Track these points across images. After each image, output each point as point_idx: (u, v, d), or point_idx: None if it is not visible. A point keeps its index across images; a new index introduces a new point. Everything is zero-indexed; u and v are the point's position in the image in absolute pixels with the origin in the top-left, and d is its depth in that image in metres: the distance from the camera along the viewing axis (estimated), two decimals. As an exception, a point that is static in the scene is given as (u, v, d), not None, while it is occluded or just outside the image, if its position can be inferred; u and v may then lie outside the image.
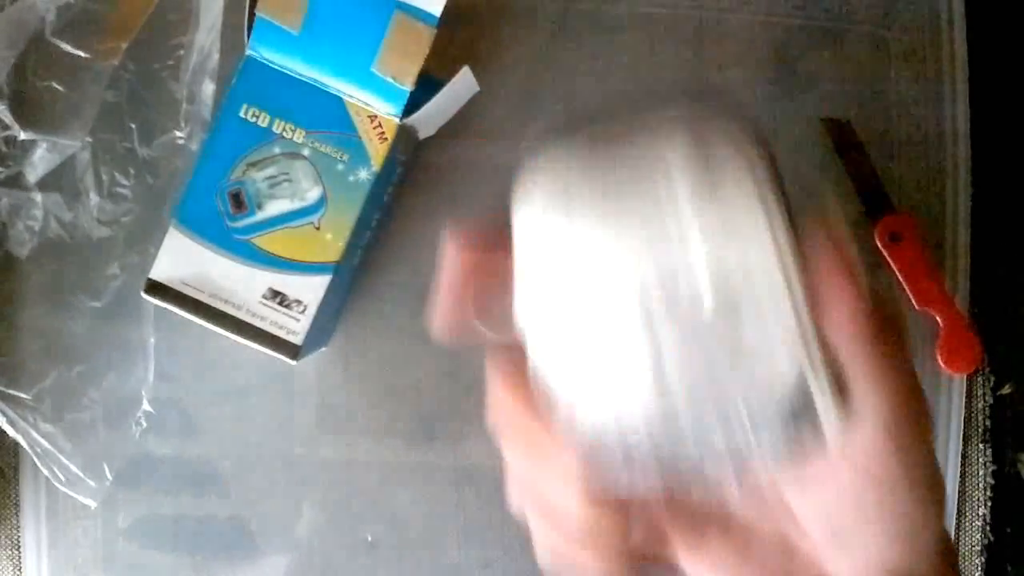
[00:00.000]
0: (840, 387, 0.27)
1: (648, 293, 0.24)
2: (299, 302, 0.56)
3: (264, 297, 0.56)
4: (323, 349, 0.64)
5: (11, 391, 0.62)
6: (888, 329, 0.29)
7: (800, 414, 0.26)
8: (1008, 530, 0.66)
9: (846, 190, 0.65)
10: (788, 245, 0.26)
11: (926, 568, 0.33)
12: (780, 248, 0.25)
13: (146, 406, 0.63)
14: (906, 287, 0.64)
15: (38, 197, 0.61)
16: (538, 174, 0.26)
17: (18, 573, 0.65)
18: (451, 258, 0.31)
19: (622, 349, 0.25)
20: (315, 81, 0.56)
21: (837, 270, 0.27)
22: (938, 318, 0.64)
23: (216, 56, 0.60)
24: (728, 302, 0.25)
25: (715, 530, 0.35)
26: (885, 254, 0.64)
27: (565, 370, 0.26)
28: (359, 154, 0.56)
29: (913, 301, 0.64)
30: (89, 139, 0.61)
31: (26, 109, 0.61)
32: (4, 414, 0.61)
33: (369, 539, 0.65)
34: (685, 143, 0.25)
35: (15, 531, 0.65)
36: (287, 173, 0.56)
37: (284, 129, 0.56)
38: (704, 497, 0.30)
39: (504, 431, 0.33)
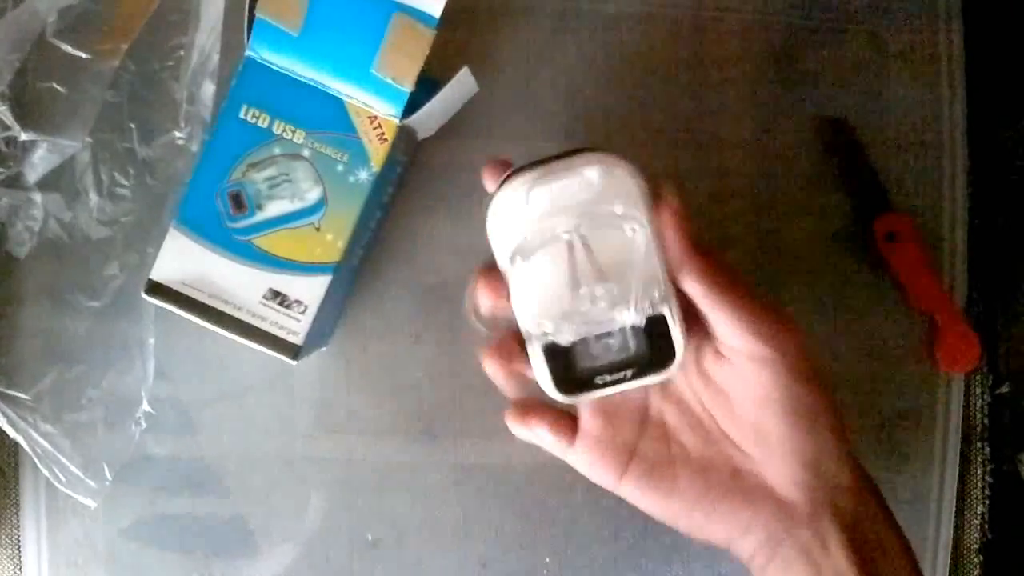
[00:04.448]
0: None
1: (574, 236, 0.46)
2: (299, 302, 0.56)
3: (264, 298, 0.56)
4: (323, 349, 0.64)
5: (11, 391, 0.62)
6: (709, 253, 0.47)
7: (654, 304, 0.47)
8: (1006, 529, 0.66)
9: (844, 189, 0.65)
10: (647, 212, 0.46)
11: (835, 460, 0.49)
12: (646, 212, 0.46)
13: (146, 406, 0.63)
14: (904, 286, 0.65)
15: (38, 197, 0.61)
16: (509, 180, 0.46)
17: (18, 572, 0.65)
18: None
19: (555, 268, 0.46)
20: (315, 82, 0.56)
21: (672, 224, 0.46)
22: (936, 317, 0.65)
23: (216, 57, 0.60)
24: (615, 239, 0.46)
25: (680, 467, 0.51)
26: (883, 253, 0.64)
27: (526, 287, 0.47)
28: (359, 155, 0.56)
29: (911, 300, 0.65)
30: (89, 139, 0.61)
31: (26, 110, 0.60)
32: (4, 414, 0.61)
33: (369, 538, 0.65)
34: (597, 160, 0.45)
35: (15, 530, 0.65)
36: (287, 174, 0.56)
37: (284, 130, 0.56)
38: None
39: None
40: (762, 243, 0.65)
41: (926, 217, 0.66)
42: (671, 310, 0.47)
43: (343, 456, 0.65)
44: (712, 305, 0.46)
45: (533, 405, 0.52)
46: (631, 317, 0.47)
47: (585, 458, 0.52)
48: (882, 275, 0.65)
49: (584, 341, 0.48)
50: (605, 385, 0.48)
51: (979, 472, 0.66)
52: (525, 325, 0.48)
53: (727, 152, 0.66)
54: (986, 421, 0.66)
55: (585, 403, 0.51)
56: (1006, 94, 0.67)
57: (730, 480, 0.50)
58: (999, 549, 0.66)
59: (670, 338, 0.48)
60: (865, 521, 0.49)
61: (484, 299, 0.48)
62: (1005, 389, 0.66)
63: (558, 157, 0.46)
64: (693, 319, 0.49)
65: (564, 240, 0.46)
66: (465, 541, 0.65)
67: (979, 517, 0.66)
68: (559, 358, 0.48)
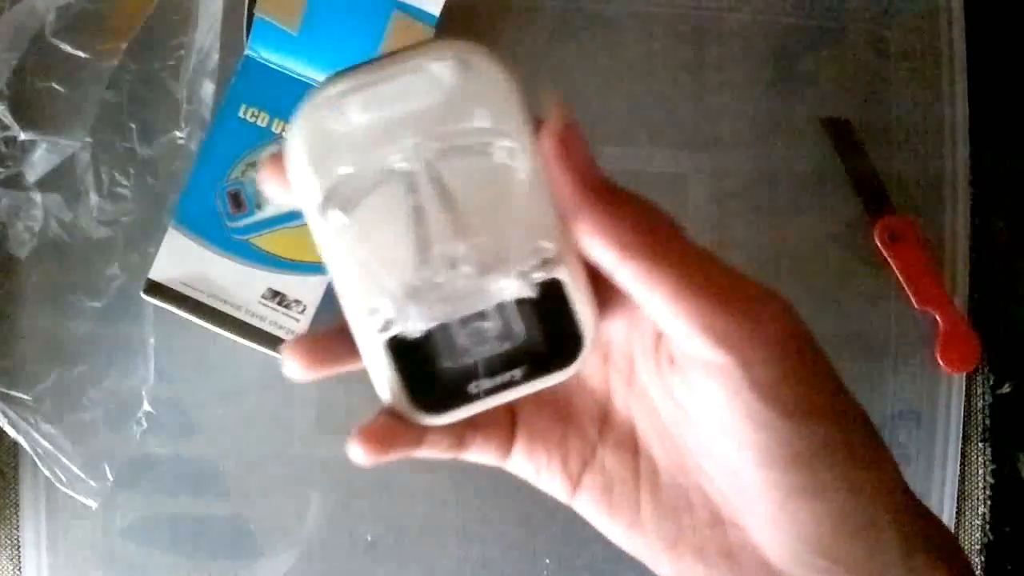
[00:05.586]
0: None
1: (417, 167, 0.30)
2: (298, 302, 0.56)
3: (263, 297, 0.56)
4: (323, 349, 0.64)
5: (12, 392, 0.62)
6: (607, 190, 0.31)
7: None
8: (1007, 529, 0.66)
9: (846, 190, 0.65)
10: (528, 128, 0.31)
11: (856, 532, 0.32)
12: (525, 128, 0.31)
13: (146, 406, 0.63)
14: (906, 286, 0.64)
15: (38, 197, 0.61)
16: (318, 89, 0.30)
17: (18, 573, 0.65)
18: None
19: (391, 220, 0.31)
20: (314, 81, 0.56)
21: (558, 153, 0.30)
22: (938, 317, 0.64)
23: (216, 56, 0.60)
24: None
25: (646, 494, 0.36)
26: (885, 254, 0.64)
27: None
28: (358, 154, 0.57)
29: (913, 300, 0.64)
30: (89, 139, 0.61)
31: (26, 109, 0.61)
32: (5, 415, 0.61)
33: (369, 539, 0.65)
34: (447, 51, 0.30)
35: (15, 531, 0.65)
36: (286, 173, 0.56)
37: (283, 129, 0.56)
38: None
39: None
40: (762, 243, 0.65)
41: (927, 217, 0.66)
42: (571, 272, 0.32)
43: (343, 456, 0.64)
44: (631, 281, 0.30)
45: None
46: (511, 287, 0.32)
47: (530, 465, 0.37)
48: (882, 275, 0.65)
49: (445, 329, 0.32)
50: (483, 395, 0.33)
51: (980, 472, 0.66)
52: (353, 310, 0.33)
53: (727, 153, 0.66)
54: (987, 421, 0.66)
55: (455, 420, 0.34)
56: (1008, 93, 0.67)
57: (708, 530, 0.35)
58: (1000, 550, 0.66)
59: (572, 314, 0.33)
60: None
61: (272, 188, 0.32)
62: (1006, 389, 0.66)
63: (394, 53, 0.31)
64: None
65: (401, 174, 0.31)
66: (465, 541, 0.65)
67: (980, 518, 0.66)
68: (411, 358, 0.33)
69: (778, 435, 0.30)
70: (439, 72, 0.30)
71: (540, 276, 0.32)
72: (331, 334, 0.34)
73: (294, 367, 0.34)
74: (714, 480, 0.35)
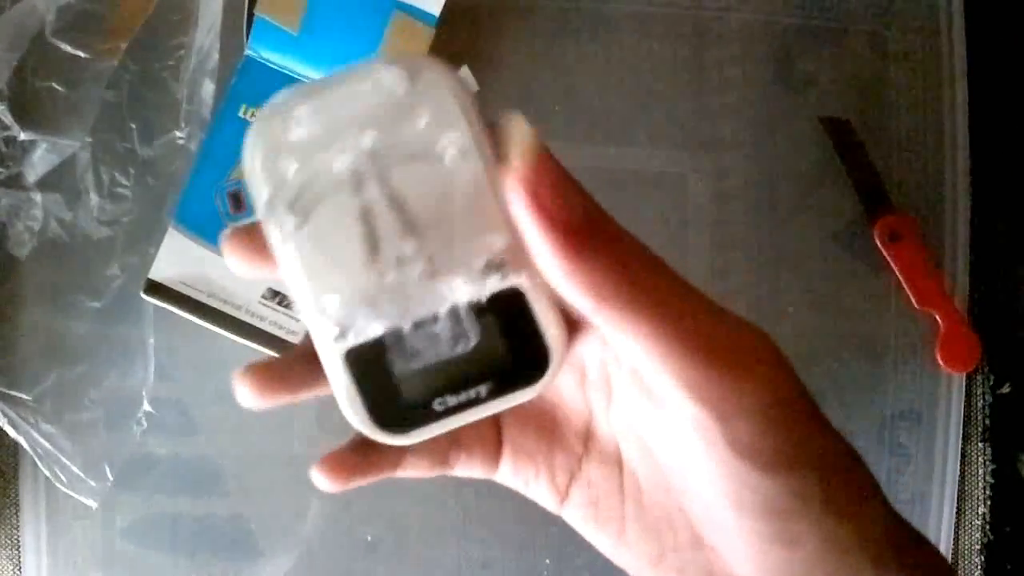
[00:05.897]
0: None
1: (364, 168, 0.30)
2: (298, 302, 0.56)
3: (263, 297, 0.56)
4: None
5: (12, 392, 0.62)
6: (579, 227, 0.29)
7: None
8: (1007, 529, 0.66)
9: (846, 190, 0.65)
10: (475, 134, 0.30)
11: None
12: (472, 133, 0.30)
13: (146, 406, 0.63)
14: (906, 286, 0.64)
15: (38, 197, 0.61)
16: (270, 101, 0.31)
17: (18, 573, 0.65)
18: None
19: (340, 225, 0.30)
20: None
21: (521, 196, 0.28)
22: (938, 317, 0.64)
23: (216, 56, 0.60)
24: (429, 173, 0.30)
25: (631, 510, 0.36)
26: (885, 254, 0.64)
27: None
28: (358, 154, 0.57)
29: (913, 300, 0.64)
30: (89, 139, 0.61)
31: (26, 109, 0.60)
32: (5, 415, 0.61)
33: (369, 539, 0.65)
34: (395, 62, 0.30)
35: (15, 531, 0.65)
36: (286, 173, 0.56)
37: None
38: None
39: None
40: (762, 243, 0.65)
41: (927, 217, 0.66)
42: (532, 284, 0.31)
43: (343, 456, 0.65)
44: (605, 325, 0.29)
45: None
46: (462, 289, 0.31)
47: (518, 479, 0.38)
48: (882, 275, 0.65)
49: (402, 342, 0.31)
50: (449, 413, 0.32)
51: (980, 472, 0.66)
52: (307, 317, 0.32)
53: (727, 153, 0.66)
54: (987, 421, 0.66)
55: (424, 438, 0.33)
56: (1008, 93, 0.67)
57: (690, 552, 0.35)
58: (1000, 550, 0.66)
59: (536, 328, 0.32)
60: None
61: (237, 266, 0.32)
62: (1006, 389, 0.66)
63: (349, 68, 0.31)
64: None
65: (348, 176, 0.30)
66: (465, 541, 0.65)
67: (980, 518, 0.66)
68: (372, 375, 0.32)
69: (754, 488, 0.30)
70: (387, 80, 0.30)
71: (495, 280, 0.31)
72: (286, 360, 0.34)
73: (245, 394, 0.33)
74: (694, 511, 0.34)
